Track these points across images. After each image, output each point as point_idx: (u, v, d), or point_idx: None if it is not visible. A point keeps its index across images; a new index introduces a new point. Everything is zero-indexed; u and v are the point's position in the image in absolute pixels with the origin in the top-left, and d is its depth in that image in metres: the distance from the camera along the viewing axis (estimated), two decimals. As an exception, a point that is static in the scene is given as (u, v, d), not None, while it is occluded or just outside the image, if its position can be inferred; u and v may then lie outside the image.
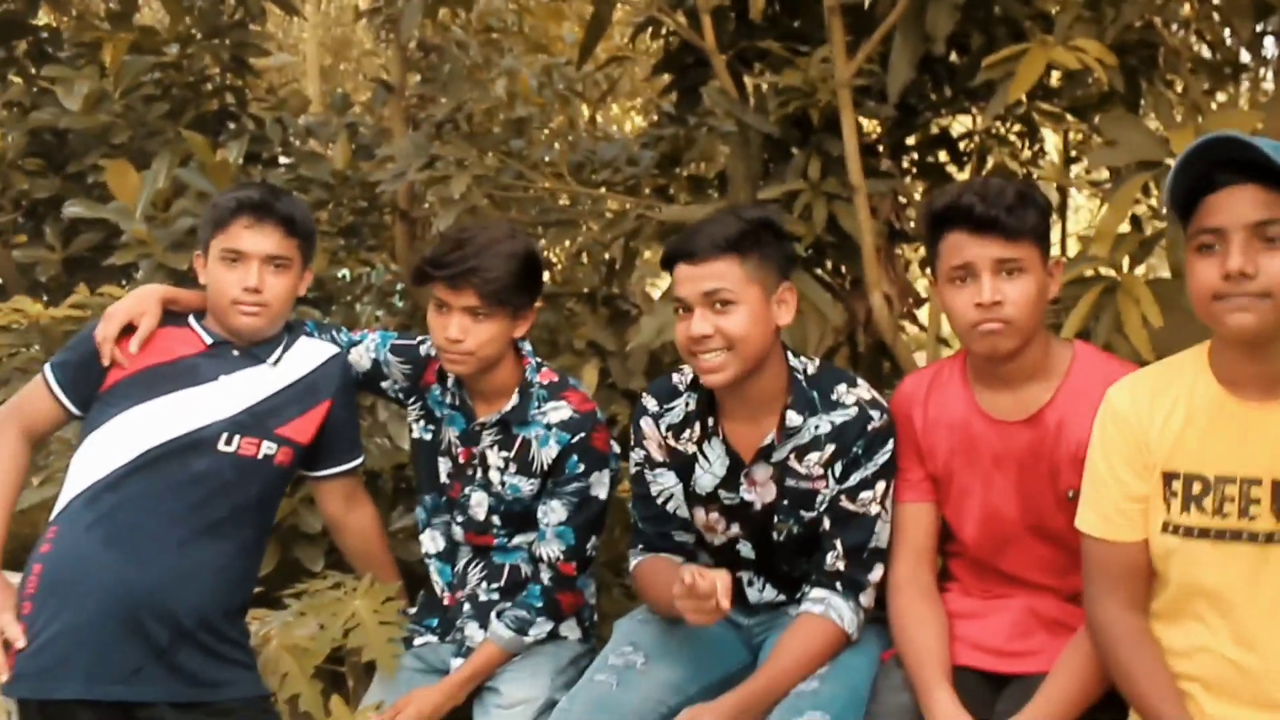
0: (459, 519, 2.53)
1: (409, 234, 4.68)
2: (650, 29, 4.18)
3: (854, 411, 2.20)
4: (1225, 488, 1.74)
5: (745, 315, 2.15)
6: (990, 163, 4.15)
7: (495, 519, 2.49)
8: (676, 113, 4.12)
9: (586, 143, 4.87)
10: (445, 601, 2.56)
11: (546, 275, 5.26)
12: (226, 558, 2.33)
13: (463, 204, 3.85)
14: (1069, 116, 3.87)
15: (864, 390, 2.24)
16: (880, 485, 2.19)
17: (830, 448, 2.20)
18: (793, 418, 2.21)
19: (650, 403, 2.36)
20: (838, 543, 2.20)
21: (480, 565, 2.54)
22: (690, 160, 4.18)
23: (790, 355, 2.27)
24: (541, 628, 2.44)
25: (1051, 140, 4.41)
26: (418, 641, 2.54)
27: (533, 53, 5.93)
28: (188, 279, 3.41)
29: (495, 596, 2.50)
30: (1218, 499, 1.74)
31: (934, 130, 3.96)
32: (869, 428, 2.19)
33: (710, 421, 2.28)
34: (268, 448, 2.39)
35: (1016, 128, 4.14)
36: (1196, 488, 1.77)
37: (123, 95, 4.42)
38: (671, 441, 2.33)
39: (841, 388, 2.23)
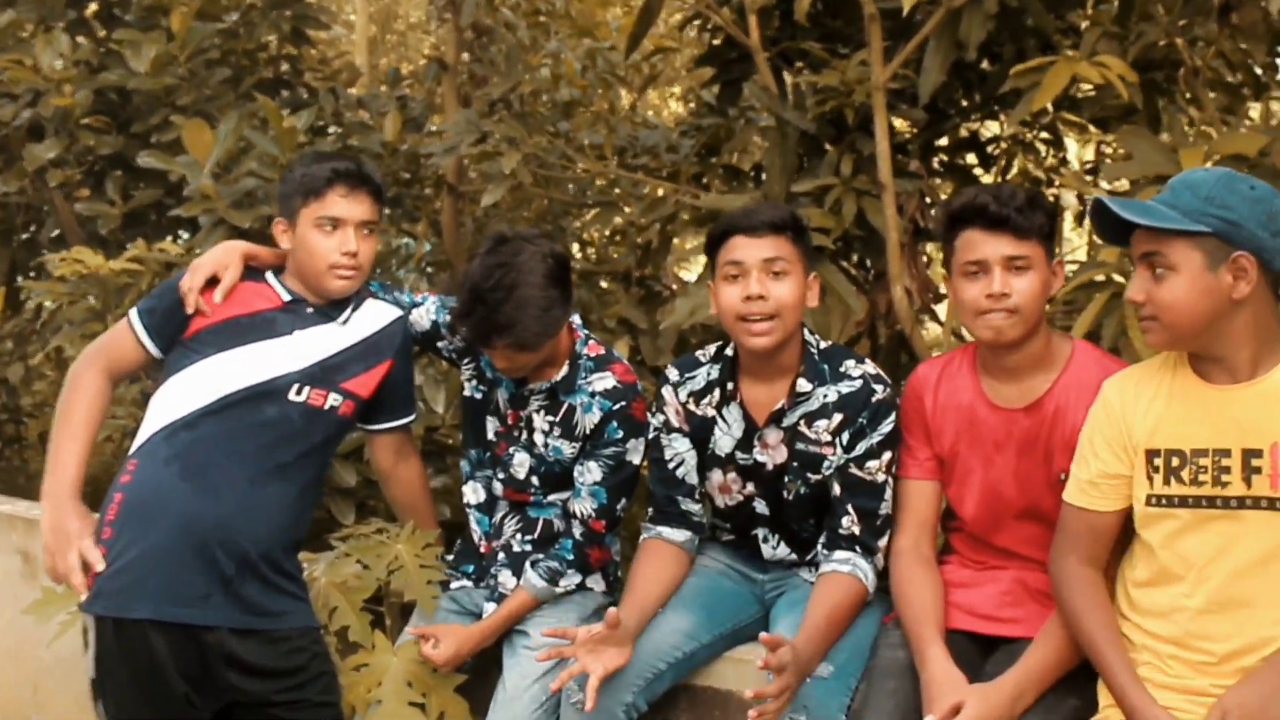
0: (500, 475, 2.69)
1: (455, 208, 4.83)
2: (697, 22, 4.34)
3: (859, 383, 2.40)
4: (1200, 460, 1.96)
5: (794, 287, 2.38)
6: (1015, 168, 4.29)
7: (534, 479, 2.65)
8: (717, 104, 4.23)
9: (627, 127, 4.97)
10: (481, 549, 2.74)
11: (580, 253, 5.44)
12: (289, 497, 2.47)
13: (510, 180, 4.00)
14: (1091, 128, 4.01)
15: (869, 366, 2.43)
16: (886, 455, 2.38)
17: (838, 416, 2.40)
18: (802, 384, 2.41)
19: (673, 373, 2.56)
20: (850, 507, 2.38)
21: (516, 518, 2.70)
22: (729, 151, 4.28)
23: (806, 332, 2.47)
24: (571, 579, 2.60)
25: (1074, 149, 4.54)
26: (454, 585, 2.72)
27: (578, 36, 6.06)
28: (247, 235, 3.55)
29: (528, 548, 2.66)
30: (1194, 470, 1.96)
31: (964, 134, 4.10)
32: (873, 399, 2.38)
33: (730, 386, 2.47)
34: (334, 399, 2.53)
35: (1043, 135, 4.27)
36: (1175, 461, 1.98)
37: (188, 59, 4.57)
38: (691, 407, 2.52)
39: (850, 362, 2.43)
